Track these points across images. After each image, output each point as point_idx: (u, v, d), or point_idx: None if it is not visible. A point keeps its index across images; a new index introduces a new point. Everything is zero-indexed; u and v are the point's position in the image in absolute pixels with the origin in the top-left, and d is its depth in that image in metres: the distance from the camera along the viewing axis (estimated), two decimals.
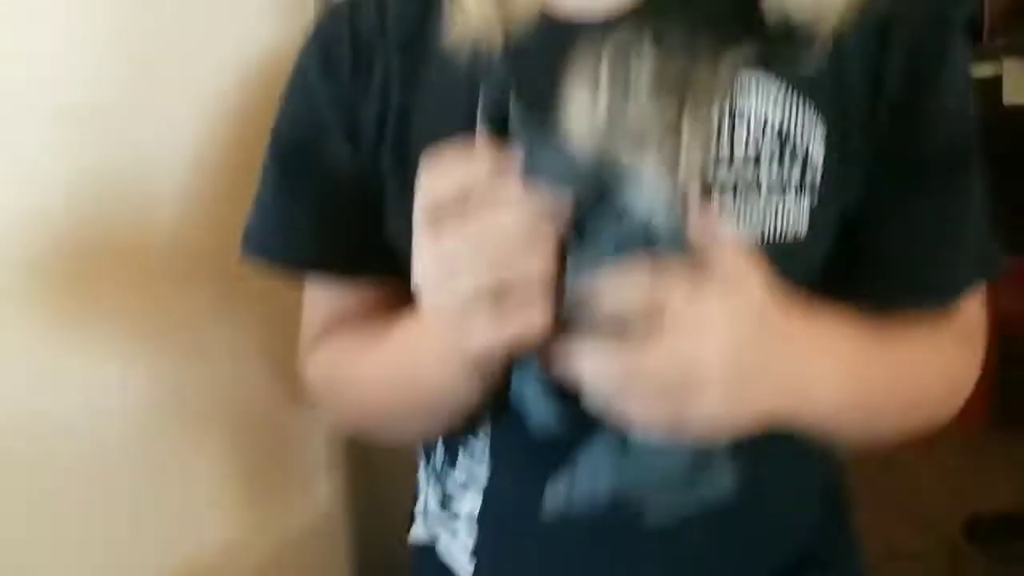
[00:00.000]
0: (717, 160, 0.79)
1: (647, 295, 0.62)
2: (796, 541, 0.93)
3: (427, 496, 0.97)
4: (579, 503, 0.70)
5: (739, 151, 0.79)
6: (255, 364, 1.04)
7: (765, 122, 0.80)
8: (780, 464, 0.87)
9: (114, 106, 0.97)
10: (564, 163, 0.62)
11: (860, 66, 0.80)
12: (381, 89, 0.86)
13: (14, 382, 0.93)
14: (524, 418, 0.70)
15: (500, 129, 0.65)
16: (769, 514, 0.90)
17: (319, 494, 1.18)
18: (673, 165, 0.62)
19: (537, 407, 0.69)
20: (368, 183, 0.86)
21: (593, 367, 0.64)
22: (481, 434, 0.89)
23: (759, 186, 0.79)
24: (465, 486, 0.91)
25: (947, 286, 0.84)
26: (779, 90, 0.80)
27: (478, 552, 0.91)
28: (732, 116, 0.79)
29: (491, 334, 0.64)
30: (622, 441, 0.69)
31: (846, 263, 0.83)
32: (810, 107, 0.80)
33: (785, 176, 0.79)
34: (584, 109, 0.62)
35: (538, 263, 0.62)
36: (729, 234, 0.66)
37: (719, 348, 0.64)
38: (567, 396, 0.67)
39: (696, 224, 0.64)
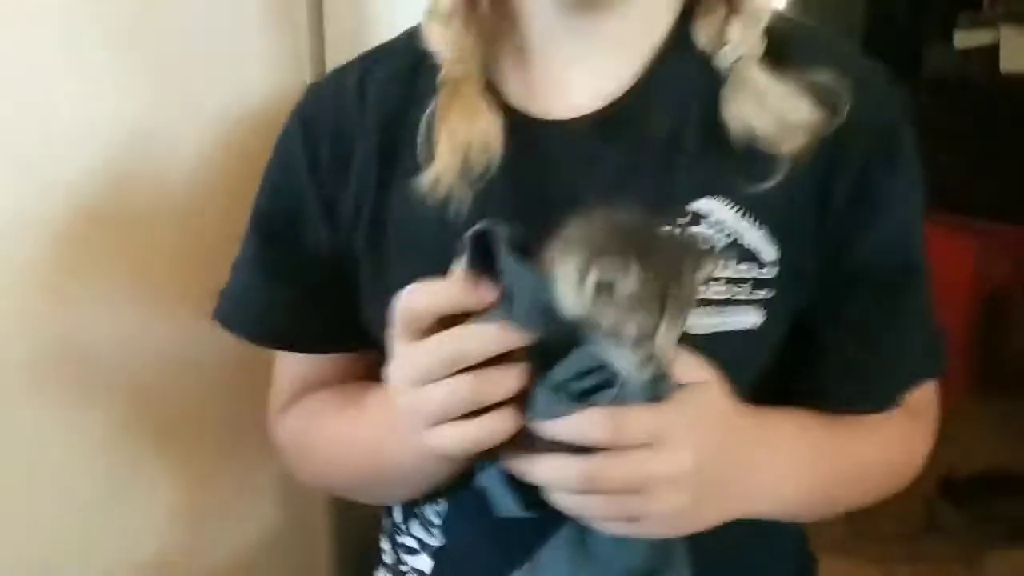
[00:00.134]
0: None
1: (608, 423, 0.67)
2: None
3: (384, 551, 1.00)
4: None
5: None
6: (240, 368, 1.05)
7: (715, 225, 0.82)
8: (743, 545, 0.87)
9: (115, 140, 0.98)
10: (545, 306, 0.67)
11: (809, 187, 0.83)
12: (360, 171, 0.88)
13: None
14: (487, 499, 0.74)
15: (481, 256, 0.69)
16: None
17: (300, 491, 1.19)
18: (651, 335, 0.65)
19: (500, 496, 0.73)
20: (344, 264, 0.88)
21: (552, 475, 0.69)
22: (434, 503, 0.91)
23: (709, 282, 0.81)
24: (415, 551, 0.94)
25: (889, 391, 0.87)
26: (732, 210, 0.82)
27: None
28: (690, 217, 0.82)
29: (455, 440, 0.69)
30: (581, 536, 0.73)
31: (797, 361, 0.86)
32: (761, 225, 0.82)
33: (737, 273, 0.82)
34: (570, 287, 0.66)
35: (506, 385, 0.68)
36: (688, 355, 0.71)
37: (679, 461, 0.68)
38: (530, 487, 0.71)
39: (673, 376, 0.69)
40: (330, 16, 1.09)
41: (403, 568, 0.95)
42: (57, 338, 0.96)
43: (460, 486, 0.80)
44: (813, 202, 0.83)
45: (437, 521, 0.90)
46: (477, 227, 0.69)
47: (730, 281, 0.82)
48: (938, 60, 3.32)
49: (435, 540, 0.91)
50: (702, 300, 0.79)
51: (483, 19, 0.85)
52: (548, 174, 0.83)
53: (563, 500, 0.69)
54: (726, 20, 0.83)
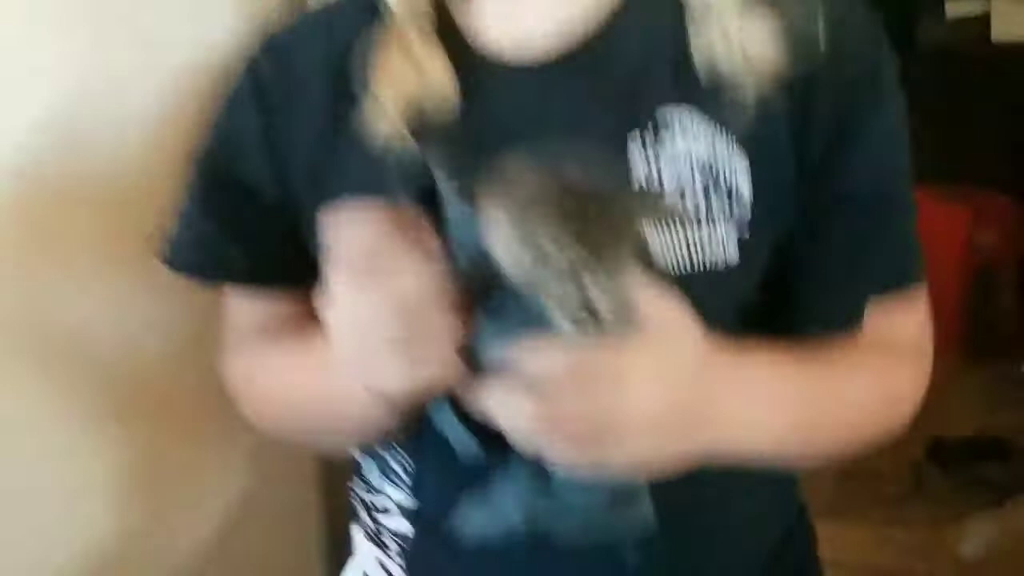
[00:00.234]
0: (639, 176, 0.80)
1: (566, 356, 0.63)
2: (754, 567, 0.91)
3: (358, 509, 0.99)
4: (493, 534, 0.72)
5: (668, 185, 0.80)
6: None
7: (691, 156, 0.80)
8: (722, 492, 0.84)
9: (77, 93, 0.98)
10: (489, 255, 0.63)
11: (785, 122, 0.81)
12: (309, 115, 0.86)
13: None
14: (445, 442, 0.72)
15: (423, 192, 0.68)
16: (722, 538, 0.88)
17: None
18: (589, 292, 0.62)
19: (457, 437, 0.71)
20: (289, 207, 0.87)
21: (507, 413, 0.66)
22: (400, 458, 0.90)
23: (684, 203, 0.80)
24: (389, 511, 0.93)
25: (860, 303, 0.85)
26: (706, 128, 0.80)
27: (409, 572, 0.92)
28: (658, 155, 0.80)
29: (399, 380, 0.67)
30: (539, 474, 0.70)
31: (773, 296, 0.84)
32: (736, 148, 0.80)
33: (713, 208, 0.80)
34: (502, 245, 0.62)
35: (444, 323, 0.65)
36: (656, 287, 0.67)
37: (642, 399, 0.65)
38: (486, 427, 0.68)
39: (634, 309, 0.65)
40: None
41: (380, 529, 0.94)
42: (20, 312, 0.98)
43: (424, 440, 0.79)
44: (790, 137, 0.81)
45: (407, 480, 0.90)
46: (420, 172, 0.67)
47: (705, 217, 0.80)
48: (930, 30, 3.31)
49: (408, 501, 0.90)
50: (676, 237, 0.78)
51: None
52: (503, 117, 0.81)
53: (520, 440, 0.66)
54: None
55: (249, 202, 0.88)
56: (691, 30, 0.80)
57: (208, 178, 0.91)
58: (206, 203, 0.90)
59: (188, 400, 1.13)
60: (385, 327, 0.65)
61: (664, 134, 0.80)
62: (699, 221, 0.79)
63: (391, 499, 0.92)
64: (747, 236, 0.80)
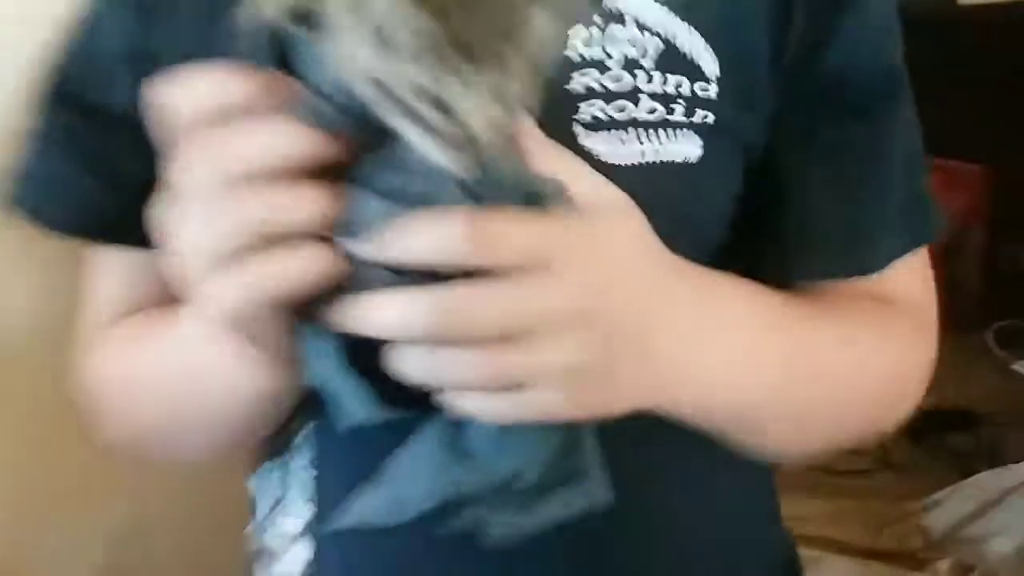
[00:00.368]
0: (583, 64, 0.65)
1: (469, 229, 0.46)
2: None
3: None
4: (397, 513, 0.54)
5: (614, 53, 0.65)
6: None
7: (642, 26, 0.66)
8: (684, 472, 0.69)
9: None
10: (346, 95, 0.47)
11: None
12: (180, 24, 0.70)
13: None
14: (336, 414, 0.53)
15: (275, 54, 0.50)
16: (672, 539, 0.71)
17: None
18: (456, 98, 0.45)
19: (348, 394, 0.52)
20: None
21: (391, 319, 0.48)
22: (300, 477, 0.74)
23: (637, 96, 0.65)
24: (280, 558, 0.76)
25: (870, 249, 0.69)
26: (661, 8, 0.66)
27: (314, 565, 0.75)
28: (603, 14, 0.65)
29: (241, 291, 0.48)
30: (451, 432, 0.53)
31: (751, 228, 0.69)
32: (697, 29, 0.66)
33: (669, 88, 0.65)
34: (344, 42, 0.46)
35: (307, 199, 0.48)
36: (588, 169, 0.53)
37: (577, 293, 0.49)
38: (383, 378, 0.50)
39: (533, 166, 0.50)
40: None
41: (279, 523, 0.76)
42: None
43: (322, 435, 0.66)
44: (764, 5, 0.68)
45: (307, 505, 0.72)
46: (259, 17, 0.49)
47: (659, 97, 0.65)
48: None
49: (305, 522, 0.73)
50: (629, 92, 0.64)
51: None
52: None
53: (411, 364, 0.48)
54: None
55: (116, 135, 0.70)
56: None
57: (65, 107, 0.73)
58: (65, 141, 0.73)
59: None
60: (219, 211, 0.47)
61: (607, 15, 0.66)
62: (652, 100, 0.65)
63: (286, 533, 0.74)
64: (711, 128, 0.66)
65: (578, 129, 0.64)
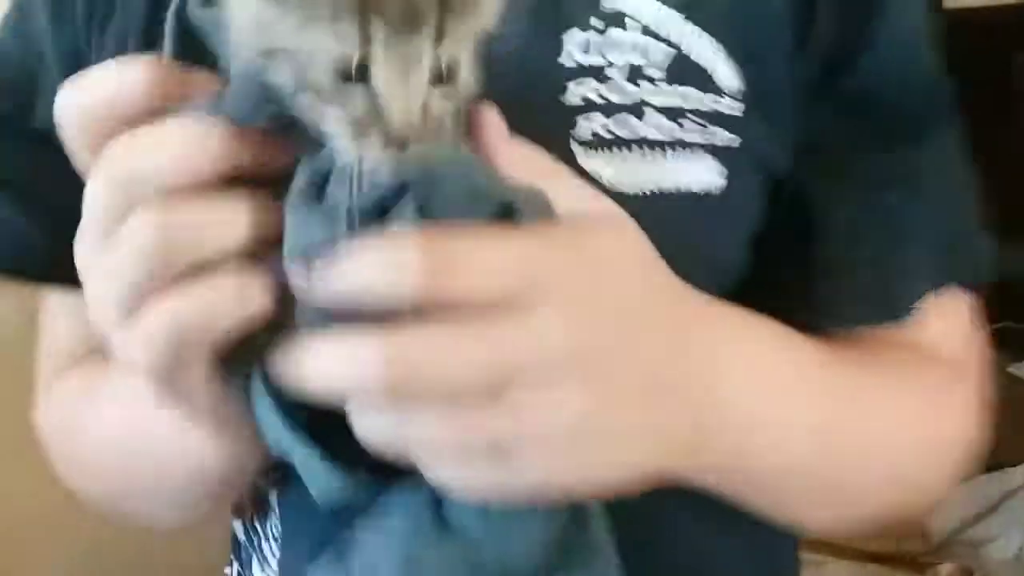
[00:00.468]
0: (579, 72, 0.56)
1: (425, 252, 0.37)
2: None
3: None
4: None
5: (616, 59, 0.56)
6: None
7: (647, 29, 0.57)
8: (700, 540, 0.60)
9: None
10: (260, 82, 0.39)
11: None
12: (121, 21, 0.62)
13: None
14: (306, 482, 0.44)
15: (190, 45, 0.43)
16: None
17: None
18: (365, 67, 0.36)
19: (304, 464, 0.42)
20: None
21: (337, 368, 0.38)
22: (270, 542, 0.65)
23: (642, 110, 0.56)
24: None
25: (905, 294, 0.60)
26: (669, 10, 0.58)
27: None
28: (602, 18, 0.57)
29: (164, 325, 0.39)
30: (431, 504, 0.43)
31: (776, 256, 0.60)
32: (712, 36, 0.58)
33: (679, 101, 0.56)
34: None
35: (230, 217, 0.39)
36: (577, 179, 0.44)
37: (567, 329, 0.39)
38: (349, 437, 0.40)
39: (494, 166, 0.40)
40: None
41: None
42: None
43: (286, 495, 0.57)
44: (788, 7, 0.59)
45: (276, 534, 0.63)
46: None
47: (669, 111, 0.55)
48: None
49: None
50: (635, 104, 0.55)
51: None
52: None
53: (367, 425, 0.39)
54: None
55: (47, 158, 0.55)
56: None
57: None
58: None
59: None
60: (131, 239, 0.39)
61: (606, 18, 0.57)
62: (664, 116, 0.54)
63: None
64: (732, 156, 0.56)
65: (576, 148, 0.55)
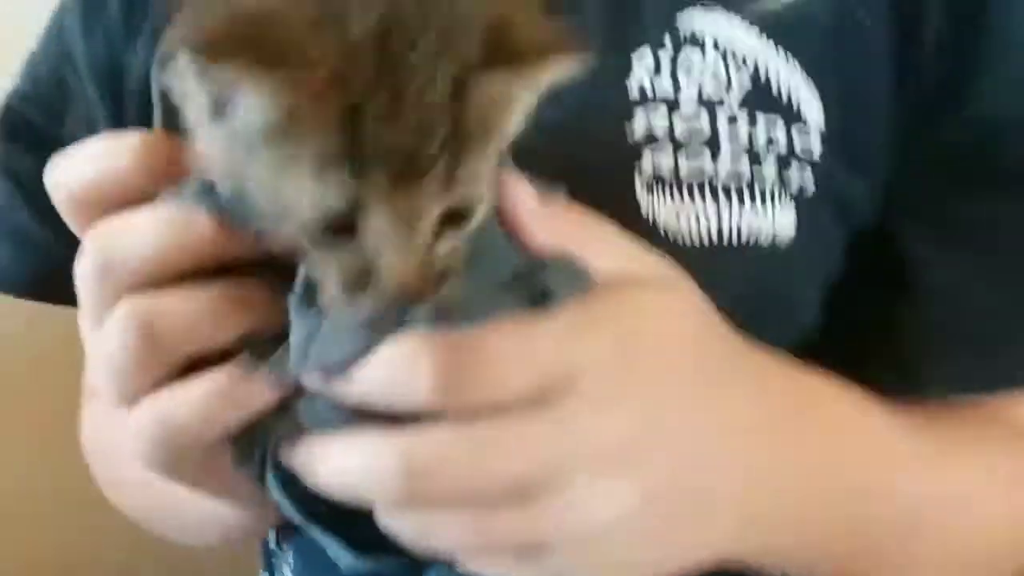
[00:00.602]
0: (646, 99, 0.50)
1: (438, 358, 0.34)
2: None
3: None
4: None
5: (687, 88, 0.50)
6: None
7: (725, 52, 0.50)
8: None
9: None
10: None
11: (876, 8, 0.51)
12: (153, 37, 0.58)
13: None
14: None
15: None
16: None
17: None
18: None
19: (328, 546, 0.41)
20: None
21: (352, 476, 0.36)
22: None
23: (716, 145, 0.49)
24: None
25: (1018, 358, 0.53)
26: (748, 29, 0.51)
27: None
28: (676, 37, 0.50)
29: (158, 417, 0.38)
30: None
31: (856, 312, 0.53)
32: (790, 56, 0.50)
33: (759, 137, 0.49)
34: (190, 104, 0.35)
35: (222, 312, 0.37)
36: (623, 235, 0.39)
37: (597, 429, 0.36)
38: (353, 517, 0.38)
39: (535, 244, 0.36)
40: None
41: None
42: None
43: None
44: (884, 32, 0.51)
45: None
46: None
47: (746, 149, 0.49)
48: None
49: None
50: (707, 140, 0.49)
51: None
52: None
53: (393, 522, 0.37)
54: None
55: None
56: None
57: (20, 142, 0.62)
58: (18, 182, 0.62)
59: None
60: (118, 324, 0.37)
61: (677, 15, 0.51)
62: (737, 154, 0.48)
63: None
64: (808, 203, 0.49)
65: (638, 186, 0.49)
